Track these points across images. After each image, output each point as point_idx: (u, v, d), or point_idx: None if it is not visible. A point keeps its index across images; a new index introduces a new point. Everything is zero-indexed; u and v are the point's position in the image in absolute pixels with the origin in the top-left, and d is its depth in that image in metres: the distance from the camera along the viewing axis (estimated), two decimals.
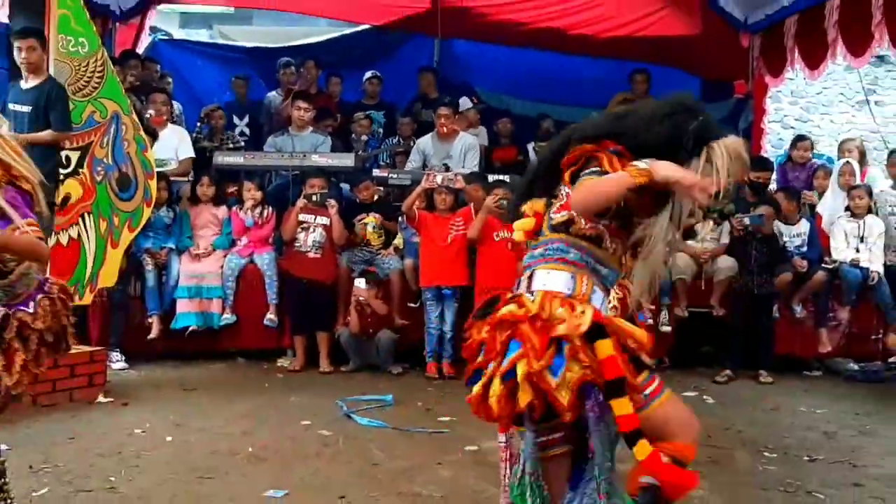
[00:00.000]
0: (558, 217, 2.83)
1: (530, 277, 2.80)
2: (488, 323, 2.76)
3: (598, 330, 2.59)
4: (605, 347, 2.58)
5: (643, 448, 2.58)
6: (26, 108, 6.26)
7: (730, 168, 2.70)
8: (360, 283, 7.44)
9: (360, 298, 7.39)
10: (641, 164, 2.64)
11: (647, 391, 2.70)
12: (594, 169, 2.73)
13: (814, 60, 9.07)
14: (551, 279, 2.75)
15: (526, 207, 2.99)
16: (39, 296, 3.13)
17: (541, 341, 2.59)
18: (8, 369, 3.04)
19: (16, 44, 6.27)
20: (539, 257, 2.83)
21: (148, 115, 8.29)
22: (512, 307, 2.70)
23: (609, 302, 2.86)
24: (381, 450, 5.13)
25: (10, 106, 6.34)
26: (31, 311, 3.09)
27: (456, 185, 7.73)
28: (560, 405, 2.57)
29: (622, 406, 2.56)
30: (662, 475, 2.62)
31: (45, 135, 6.21)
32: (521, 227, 2.99)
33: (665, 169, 2.62)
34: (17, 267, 3.10)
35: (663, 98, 2.91)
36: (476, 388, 2.75)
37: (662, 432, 2.69)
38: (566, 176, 2.81)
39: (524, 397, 2.61)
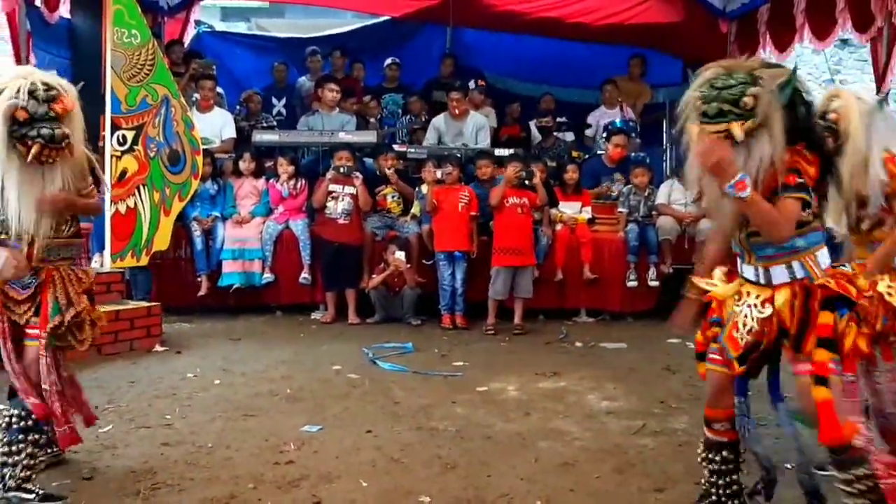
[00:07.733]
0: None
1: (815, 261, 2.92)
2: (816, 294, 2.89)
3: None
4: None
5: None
6: None
7: None
8: (400, 255, 7.46)
9: (399, 266, 7.44)
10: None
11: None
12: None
13: (783, 44, 9.00)
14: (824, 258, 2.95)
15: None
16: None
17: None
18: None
19: None
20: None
21: (194, 99, 8.27)
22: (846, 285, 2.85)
23: None
24: (403, 390, 5.16)
25: None
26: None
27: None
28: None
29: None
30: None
31: None
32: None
33: None
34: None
35: None
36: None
37: None
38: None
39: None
